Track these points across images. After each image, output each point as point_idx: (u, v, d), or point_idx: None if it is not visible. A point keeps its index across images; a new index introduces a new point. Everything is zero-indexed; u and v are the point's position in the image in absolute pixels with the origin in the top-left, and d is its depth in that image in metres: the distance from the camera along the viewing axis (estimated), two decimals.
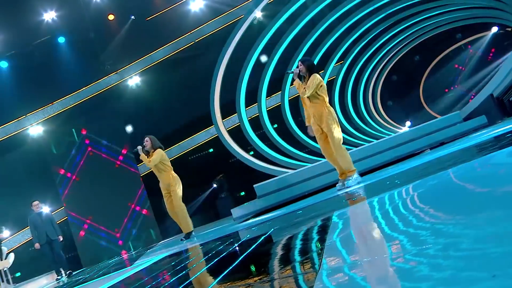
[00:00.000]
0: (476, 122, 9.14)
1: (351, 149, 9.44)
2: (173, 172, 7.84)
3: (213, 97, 13.53)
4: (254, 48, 13.33)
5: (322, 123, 6.24)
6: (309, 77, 6.19)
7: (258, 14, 13.96)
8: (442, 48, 17.82)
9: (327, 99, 6.26)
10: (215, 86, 13.35)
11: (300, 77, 6.28)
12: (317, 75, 6.24)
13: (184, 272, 3.45)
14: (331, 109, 6.28)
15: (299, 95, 6.56)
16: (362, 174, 6.91)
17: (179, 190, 7.79)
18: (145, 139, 7.89)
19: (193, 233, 7.91)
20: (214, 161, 15.84)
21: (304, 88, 6.16)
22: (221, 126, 13.76)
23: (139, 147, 7.78)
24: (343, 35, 14.89)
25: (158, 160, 7.68)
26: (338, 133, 6.21)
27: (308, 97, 6.22)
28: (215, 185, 15.23)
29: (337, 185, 6.50)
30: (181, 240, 7.81)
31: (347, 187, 6.12)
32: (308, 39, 14.20)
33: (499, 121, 9.24)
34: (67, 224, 11.97)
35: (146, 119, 14.94)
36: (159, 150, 7.80)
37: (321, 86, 6.19)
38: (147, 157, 7.74)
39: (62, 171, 12.39)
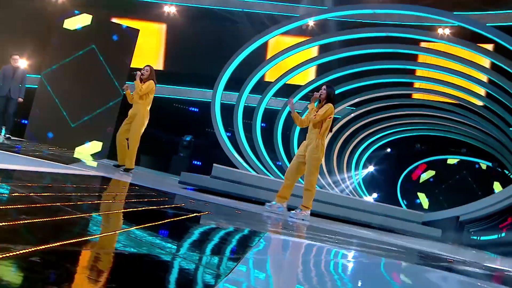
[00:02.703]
0: (431, 231, 9.23)
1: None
2: (148, 108, 7.72)
3: (228, 66, 13.42)
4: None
5: (306, 151, 6.25)
6: (324, 104, 6.20)
7: (310, 23, 13.90)
8: (442, 152, 18.00)
9: (326, 133, 6.27)
10: (234, 59, 13.27)
11: (315, 100, 6.33)
12: (332, 106, 6.24)
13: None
14: (321, 143, 6.26)
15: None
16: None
17: (142, 127, 7.67)
18: (145, 68, 7.75)
19: (132, 171, 7.77)
20: (192, 121, 15.71)
21: (316, 113, 6.15)
22: (219, 95, 13.64)
23: (138, 73, 7.64)
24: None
25: (148, 90, 7.58)
26: (315, 170, 6.25)
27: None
28: (184, 143, 15.06)
29: (266, 204, 6.45)
30: (121, 171, 7.65)
31: (291, 217, 6.10)
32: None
33: (450, 242, 9.35)
34: (34, 94, 11.61)
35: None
36: (151, 81, 7.69)
37: (329, 117, 6.21)
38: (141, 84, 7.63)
39: (58, 45, 11.90)
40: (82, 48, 11.57)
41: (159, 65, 15.42)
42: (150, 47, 15.16)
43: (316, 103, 6.39)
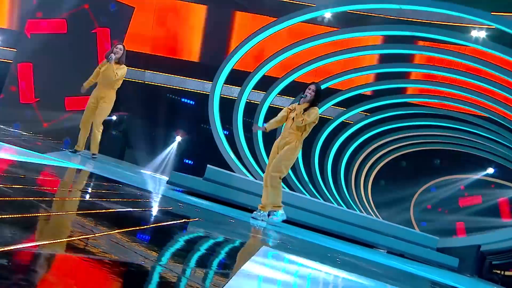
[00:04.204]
0: (446, 260, 9.20)
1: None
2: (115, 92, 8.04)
3: (230, 59, 13.44)
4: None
5: (281, 149, 6.43)
6: (310, 105, 6.34)
7: (327, 15, 13.92)
8: (464, 169, 17.91)
9: (305, 136, 6.50)
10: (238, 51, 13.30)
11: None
12: (318, 110, 6.49)
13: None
14: (300, 146, 6.51)
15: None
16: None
17: (109, 111, 8.11)
18: (119, 47, 7.92)
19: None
20: (186, 114, 15.68)
21: (303, 117, 6.26)
22: (218, 88, 13.64)
23: (112, 55, 7.75)
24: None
25: (122, 77, 7.92)
26: (285, 168, 6.43)
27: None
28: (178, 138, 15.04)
29: (254, 212, 6.48)
30: (93, 157, 8.01)
31: (272, 223, 6.22)
32: None
33: (468, 274, 9.33)
34: (7, 68, 11.53)
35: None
36: (125, 66, 7.94)
37: (313, 122, 6.42)
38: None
39: (39, 14, 11.76)
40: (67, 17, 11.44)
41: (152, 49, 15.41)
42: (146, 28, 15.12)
43: (298, 102, 6.54)
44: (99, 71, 7.89)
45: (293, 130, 6.38)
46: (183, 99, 15.71)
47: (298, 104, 6.46)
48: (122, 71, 7.84)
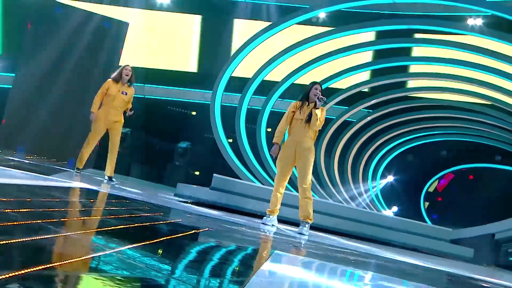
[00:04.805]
0: (461, 251, 9.15)
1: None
2: None
3: (229, 66, 13.44)
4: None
5: (301, 158, 6.32)
6: (315, 105, 6.29)
7: (322, 14, 13.93)
8: (473, 159, 17.84)
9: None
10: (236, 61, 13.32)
11: (307, 99, 6.44)
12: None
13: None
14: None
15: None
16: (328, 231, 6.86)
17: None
18: (128, 68, 7.76)
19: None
20: (188, 125, 15.72)
21: (317, 116, 6.23)
22: (219, 97, 13.65)
23: (126, 76, 7.69)
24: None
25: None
26: (311, 176, 6.40)
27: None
28: (180, 150, 15.07)
29: (300, 227, 6.39)
30: (112, 181, 7.75)
31: (301, 234, 6.11)
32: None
33: (484, 264, 9.27)
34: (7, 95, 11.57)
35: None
36: (133, 88, 7.88)
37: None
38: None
39: (29, 25, 11.74)
40: (63, 40, 11.48)
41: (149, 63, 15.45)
42: (141, 42, 15.18)
43: (301, 102, 6.47)
44: (106, 92, 7.67)
45: (308, 133, 6.33)
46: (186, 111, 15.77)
47: (307, 106, 6.38)
48: (131, 93, 7.83)
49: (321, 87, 6.47)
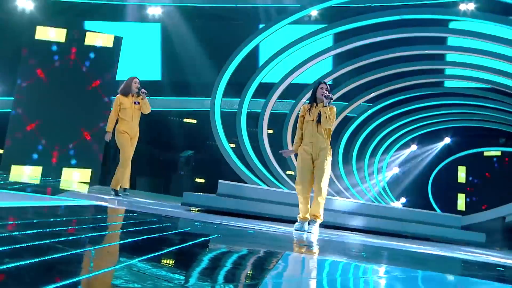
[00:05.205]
0: (473, 237, 9.12)
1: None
2: None
3: (226, 70, 13.45)
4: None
5: (318, 158, 6.26)
6: (324, 106, 6.23)
7: (313, 12, 13.93)
8: (475, 144, 17.80)
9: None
10: (233, 62, 13.30)
11: (315, 100, 6.36)
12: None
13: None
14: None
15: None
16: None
17: None
18: (136, 80, 7.85)
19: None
20: (190, 134, 15.73)
21: (326, 114, 6.18)
22: (218, 103, 13.66)
23: (135, 88, 7.77)
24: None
25: None
26: (328, 177, 6.31)
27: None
28: (183, 159, 15.09)
29: (309, 226, 6.37)
30: (125, 192, 7.90)
31: (309, 232, 6.10)
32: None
33: (497, 248, 9.24)
34: (7, 117, 11.68)
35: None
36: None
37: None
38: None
39: (32, 61, 12.01)
40: (58, 64, 11.68)
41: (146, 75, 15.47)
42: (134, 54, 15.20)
43: (309, 103, 6.41)
44: (119, 108, 7.70)
45: (322, 132, 6.29)
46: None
47: (316, 106, 6.34)
48: (148, 103, 7.87)
49: (327, 85, 6.42)
